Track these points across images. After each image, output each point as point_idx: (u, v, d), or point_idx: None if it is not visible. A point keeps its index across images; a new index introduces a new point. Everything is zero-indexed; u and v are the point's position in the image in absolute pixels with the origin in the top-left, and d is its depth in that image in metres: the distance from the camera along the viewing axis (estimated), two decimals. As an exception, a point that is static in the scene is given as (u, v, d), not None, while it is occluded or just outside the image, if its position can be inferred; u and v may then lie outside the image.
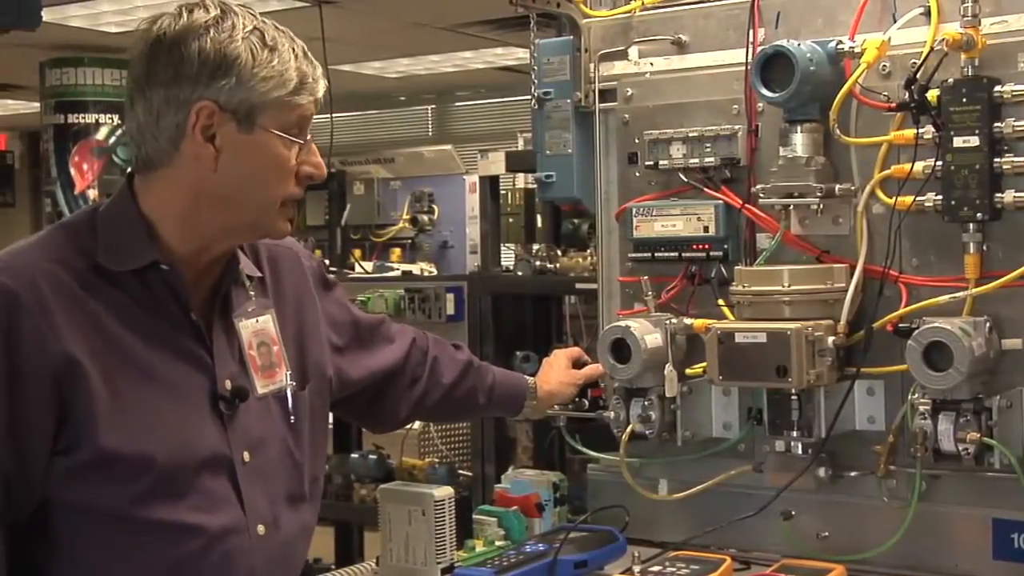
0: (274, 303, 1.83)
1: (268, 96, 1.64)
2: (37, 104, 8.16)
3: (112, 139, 7.94)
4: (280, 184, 1.69)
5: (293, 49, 1.70)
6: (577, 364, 2.43)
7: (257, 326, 1.77)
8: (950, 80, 2.04)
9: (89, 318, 1.60)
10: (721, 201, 2.32)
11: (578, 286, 4.03)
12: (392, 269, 5.82)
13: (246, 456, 1.71)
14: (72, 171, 7.93)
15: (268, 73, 1.64)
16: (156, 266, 1.66)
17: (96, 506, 1.59)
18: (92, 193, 7.78)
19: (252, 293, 1.78)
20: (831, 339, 2.11)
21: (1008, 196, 2.02)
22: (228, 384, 1.71)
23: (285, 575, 1.78)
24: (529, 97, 2.56)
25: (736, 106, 2.31)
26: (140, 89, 1.68)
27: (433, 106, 11.31)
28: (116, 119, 7.94)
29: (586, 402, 2.41)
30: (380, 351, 2.09)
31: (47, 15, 1.87)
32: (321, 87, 1.72)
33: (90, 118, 7.91)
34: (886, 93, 2.13)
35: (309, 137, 1.71)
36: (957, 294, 2.08)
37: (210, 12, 1.65)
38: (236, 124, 1.64)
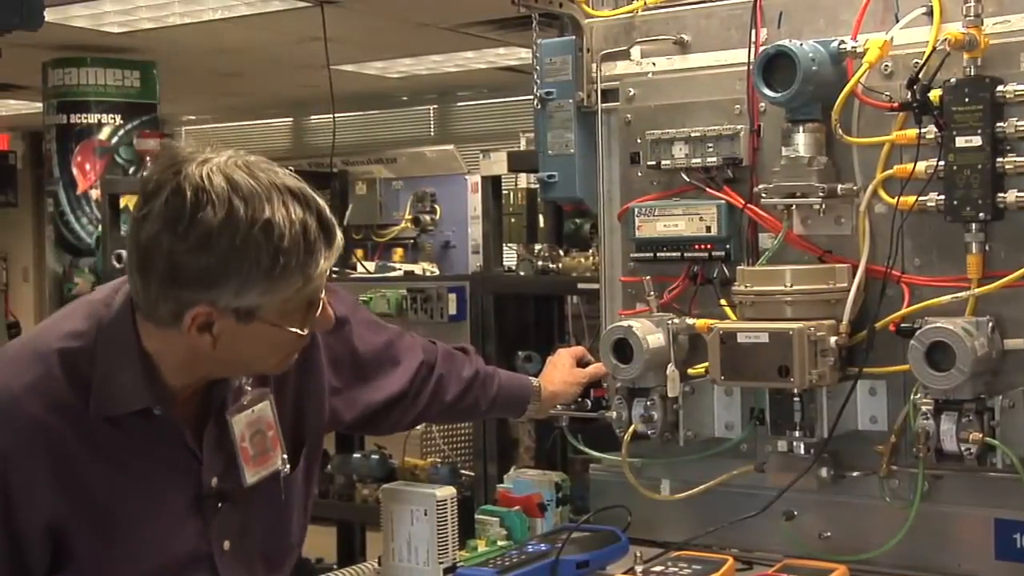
0: (276, 375, 1.80)
1: (271, 297, 1.58)
2: (40, 104, 8.17)
3: (114, 139, 7.95)
4: (282, 354, 1.69)
5: (306, 229, 1.57)
6: (581, 363, 2.42)
7: (252, 416, 1.76)
8: (952, 80, 2.04)
9: (81, 469, 1.62)
10: (723, 201, 2.32)
11: (580, 286, 4.03)
12: (394, 269, 5.82)
13: (226, 545, 1.75)
14: (74, 171, 7.95)
15: (274, 279, 1.56)
16: (149, 411, 1.66)
17: None
18: (94, 193, 7.78)
19: (248, 386, 1.76)
20: (833, 339, 2.11)
21: (1010, 196, 2.02)
22: (214, 482, 1.72)
23: None
24: (531, 97, 2.56)
25: (738, 106, 2.31)
26: (139, 255, 1.57)
27: (435, 106, 11.30)
28: (118, 119, 7.95)
29: (588, 402, 2.41)
30: (382, 382, 2.06)
31: (49, 15, 1.86)
32: (335, 251, 1.61)
33: (92, 118, 7.92)
34: (888, 93, 2.12)
35: (322, 297, 1.64)
36: (959, 294, 2.08)
37: (228, 204, 1.53)
38: (235, 319, 1.59)
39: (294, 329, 1.63)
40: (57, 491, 1.61)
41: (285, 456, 1.80)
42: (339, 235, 1.64)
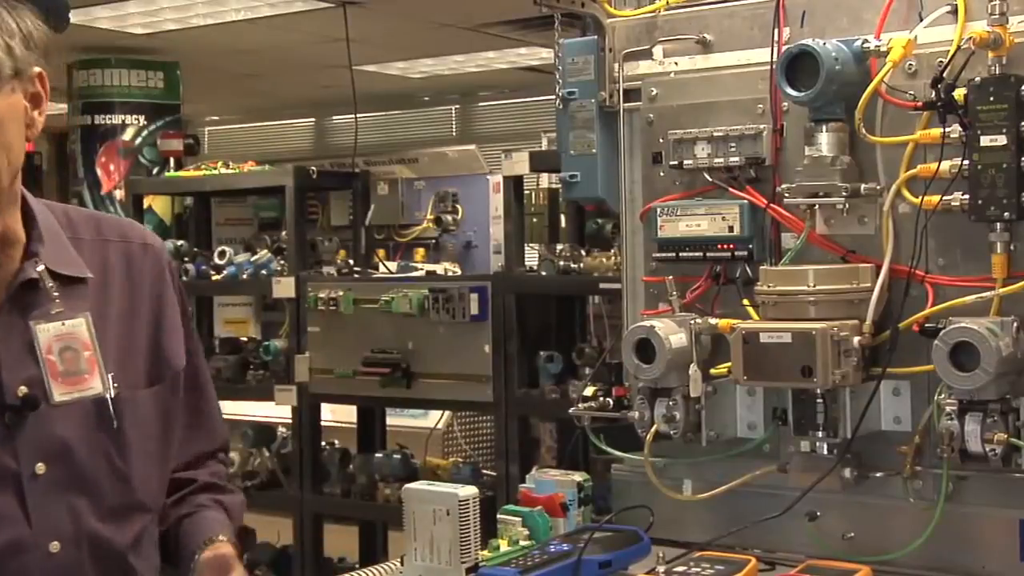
0: (122, 302, 1.75)
1: None
2: (64, 106, 8.21)
3: (138, 140, 7.99)
4: None
5: None
6: None
7: (63, 329, 1.66)
8: (977, 79, 2.03)
9: None
10: (746, 201, 2.31)
11: (602, 286, 4.03)
12: (416, 269, 5.82)
13: (40, 468, 1.62)
14: (99, 171, 7.99)
15: None
16: None
17: None
18: (118, 193, 7.83)
19: (56, 295, 1.67)
20: (857, 339, 2.10)
21: (1036, 195, 2.01)
22: (23, 391, 1.62)
23: None
24: (553, 97, 2.56)
25: (761, 105, 2.30)
26: None
27: (457, 106, 11.31)
28: (143, 120, 7.99)
29: (610, 401, 2.41)
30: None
31: (74, 17, 1.87)
32: None
33: (116, 119, 7.96)
34: (912, 92, 2.12)
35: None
36: (984, 294, 2.06)
37: None
38: None
39: None
40: None
41: (110, 381, 1.69)
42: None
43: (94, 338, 1.69)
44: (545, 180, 5.74)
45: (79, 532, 1.65)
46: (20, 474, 1.61)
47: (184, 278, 4.90)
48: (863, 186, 2.18)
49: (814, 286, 2.14)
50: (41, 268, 1.67)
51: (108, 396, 1.69)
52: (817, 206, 2.23)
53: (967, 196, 2.05)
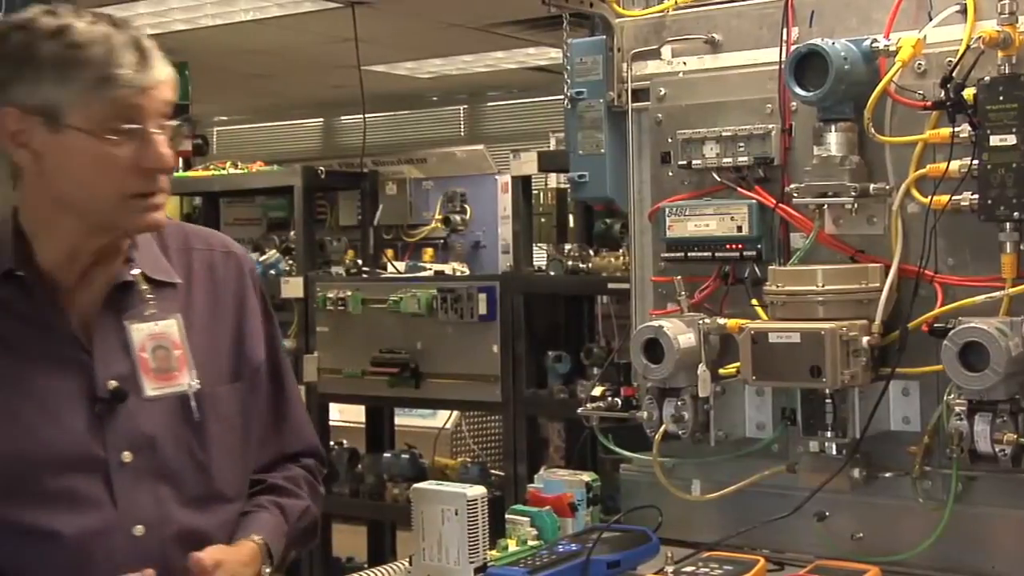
0: (205, 305, 1.85)
1: (67, 91, 1.63)
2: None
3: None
4: (112, 182, 1.68)
5: (108, 35, 1.66)
6: None
7: (155, 329, 1.77)
8: (986, 78, 2.03)
9: None
10: (754, 201, 2.31)
11: (610, 286, 4.03)
12: (424, 269, 5.83)
13: (126, 456, 1.72)
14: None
15: (65, 68, 1.62)
16: (13, 274, 1.70)
17: None
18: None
19: (150, 297, 1.78)
20: (865, 339, 2.10)
21: (1045, 195, 2.00)
22: (112, 384, 1.72)
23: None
24: (561, 97, 2.56)
25: (770, 105, 2.30)
26: None
27: (465, 106, 11.32)
28: (151, 120, 8.00)
29: (619, 401, 2.41)
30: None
31: (84, 17, 1.90)
32: (154, 75, 1.68)
33: (125, 119, 7.97)
34: (921, 92, 2.11)
35: (149, 127, 1.67)
36: (993, 294, 2.06)
37: (32, 19, 1.65)
38: (44, 125, 1.64)
39: (111, 137, 1.64)
40: None
41: (195, 379, 1.78)
42: (161, 63, 1.69)
43: (184, 338, 1.79)
44: (553, 180, 5.74)
45: (163, 518, 1.74)
46: (107, 462, 1.71)
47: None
48: (872, 186, 2.18)
49: (823, 286, 2.14)
50: (136, 272, 1.79)
51: (192, 392, 1.78)
52: (826, 206, 2.22)
53: (976, 196, 2.05)
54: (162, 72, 1.69)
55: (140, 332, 1.76)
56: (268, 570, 1.84)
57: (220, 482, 1.83)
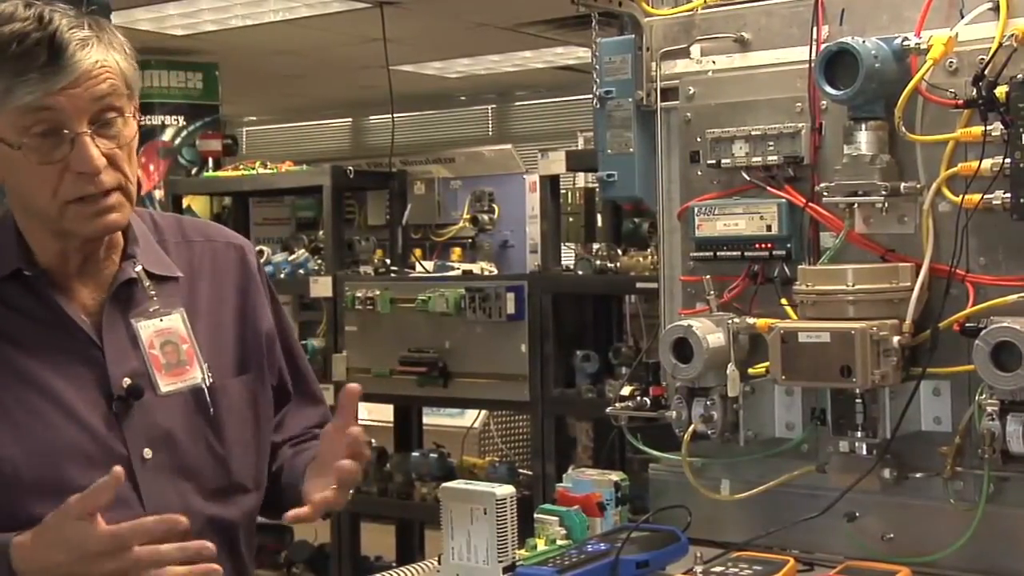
0: (208, 297, 1.86)
1: None
2: (104, 106, 8.29)
3: (177, 140, 8.05)
4: (46, 190, 1.66)
5: (21, 41, 1.59)
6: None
7: (161, 325, 1.78)
8: (1019, 76, 2.01)
9: None
10: (784, 200, 2.30)
11: (639, 285, 4.03)
12: (453, 268, 5.84)
13: (147, 453, 1.74)
14: (139, 172, 8.06)
15: None
16: (22, 273, 1.71)
17: None
18: (158, 193, 7.90)
19: (152, 293, 1.79)
20: (896, 339, 2.09)
21: (1079, 194, 1.99)
22: (127, 382, 1.73)
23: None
24: (590, 96, 2.56)
25: (799, 104, 2.29)
26: None
27: (493, 106, 11.33)
28: (182, 120, 8.06)
29: (648, 401, 2.41)
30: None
31: (115, 19, 1.91)
32: (67, 74, 1.60)
33: (156, 120, 8.03)
34: (953, 90, 2.10)
35: (75, 129, 1.63)
36: (1026, 293, 2.05)
37: None
38: None
39: (29, 144, 1.61)
40: None
41: (206, 372, 1.80)
42: (86, 54, 1.62)
43: (190, 331, 1.81)
44: (581, 179, 5.73)
45: (188, 512, 1.73)
46: (130, 459, 1.72)
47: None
48: (903, 185, 2.16)
49: (853, 285, 2.13)
50: (139, 268, 1.80)
51: (205, 385, 1.80)
52: (856, 205, 2.21)
53: (1008, 195, 2.03)
54: (83, 63, 1.62)
55: (147, 329, 1.77)
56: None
57: (238, 474, 1.85)
